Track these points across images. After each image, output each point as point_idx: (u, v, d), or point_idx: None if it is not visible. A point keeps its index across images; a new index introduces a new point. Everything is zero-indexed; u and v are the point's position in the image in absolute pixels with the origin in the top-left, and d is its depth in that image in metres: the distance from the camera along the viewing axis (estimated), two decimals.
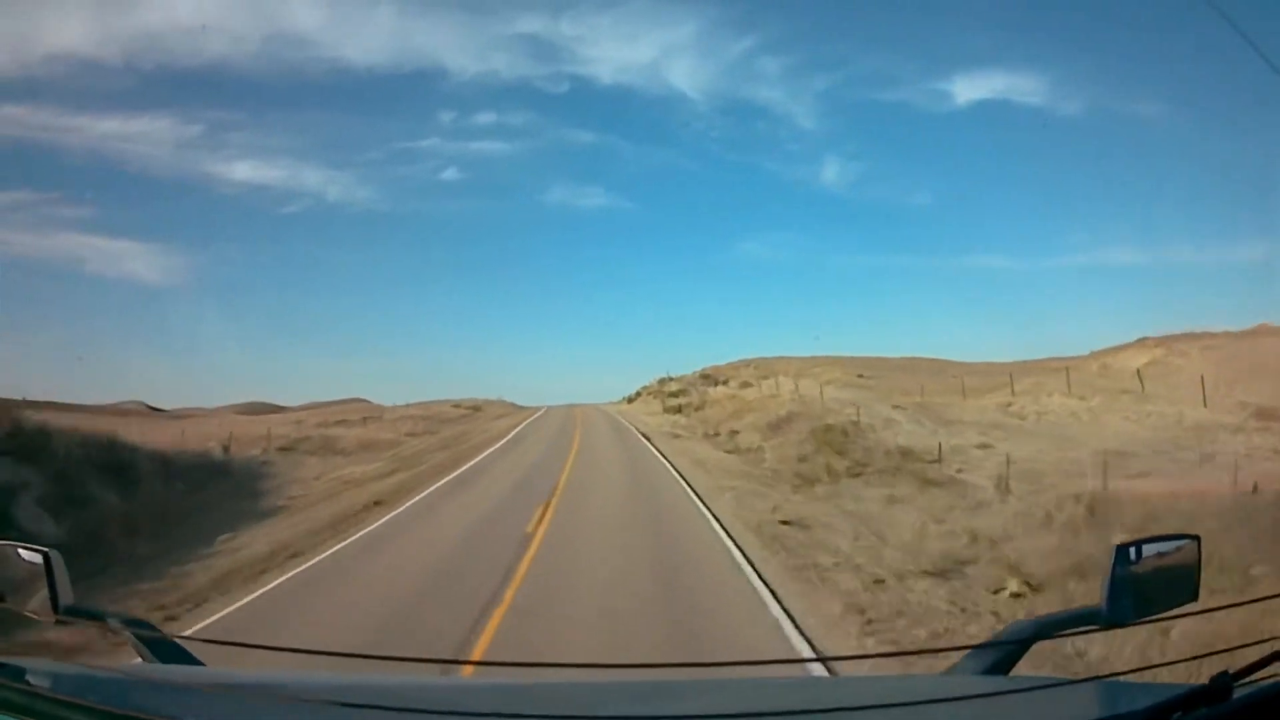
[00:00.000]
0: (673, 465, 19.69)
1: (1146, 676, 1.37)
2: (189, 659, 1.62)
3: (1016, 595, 7.68)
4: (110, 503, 15.71)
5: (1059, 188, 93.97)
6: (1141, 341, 38.85)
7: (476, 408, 54.49)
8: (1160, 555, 1.52)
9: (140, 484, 17.43)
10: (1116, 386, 28.86)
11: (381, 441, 30.65)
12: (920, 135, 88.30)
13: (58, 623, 1.54)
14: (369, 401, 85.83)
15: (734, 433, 27.56)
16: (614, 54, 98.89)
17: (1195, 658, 1.23)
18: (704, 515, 12.40)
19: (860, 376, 49.26)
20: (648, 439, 27.68)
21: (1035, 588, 7.79)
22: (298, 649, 1.58)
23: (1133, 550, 1.49)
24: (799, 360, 69.21)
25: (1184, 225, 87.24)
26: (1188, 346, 33.99)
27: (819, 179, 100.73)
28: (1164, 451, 17.74)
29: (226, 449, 25.81)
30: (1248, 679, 1.01)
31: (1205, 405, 23.10)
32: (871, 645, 6.16)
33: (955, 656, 1.69)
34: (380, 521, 13.11)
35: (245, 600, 8.36)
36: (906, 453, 19.24)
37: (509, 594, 7.64)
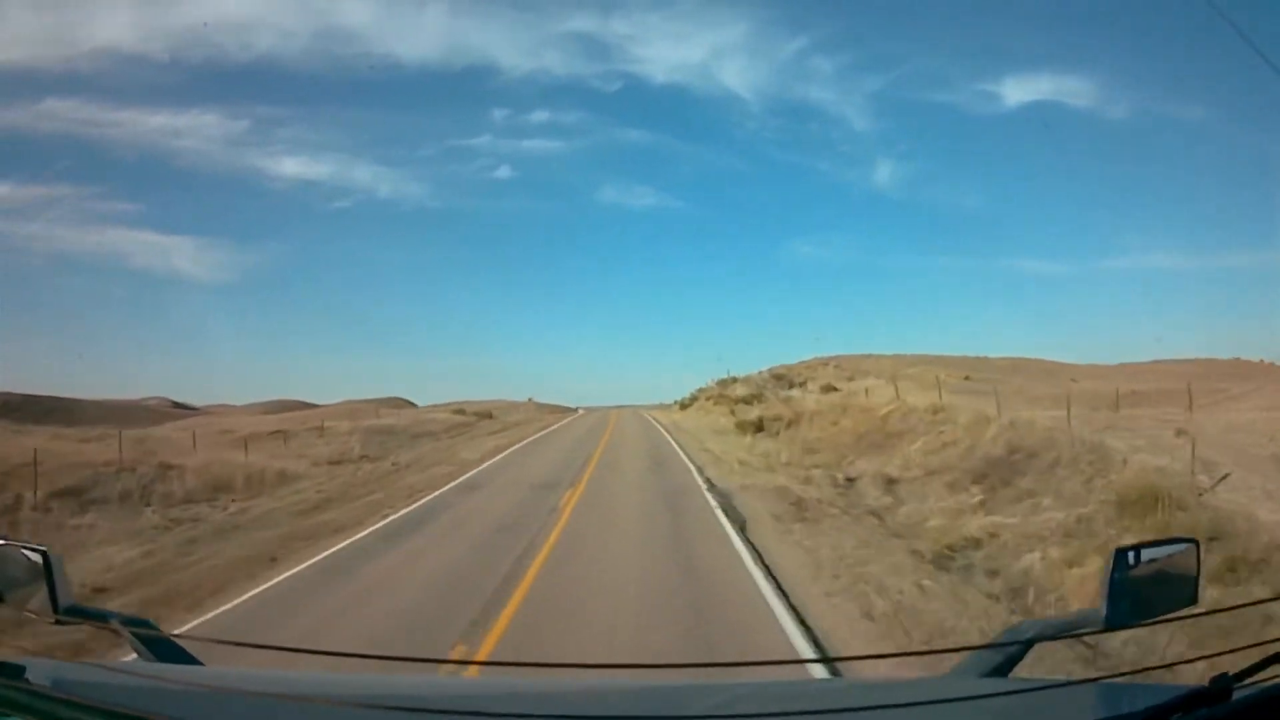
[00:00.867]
0: None
1: (1147, 677, 1.37)
2: (189, 658, 1.62)
3: None
4: None
5: (1109, 190, 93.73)
6: None
7: (486, 414, 49.86)
8: (1160, 559, 1.52)
9: None
10: None
11: (251, 478, 19.01)
12: (971, 137, 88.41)
13: (57, 622, 1.54)
14: (407, 400, 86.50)
15: (892, 482, 14.40)
16: (666, 53, 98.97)
17: (1195, 659, 1.23)
18: None
19: (967, 379, 40.92)
20: (742, 525, 11.29)
21: None
22: (297, 649, 1.58)
23: (1132, 554, 1.49)
24: (885, 359, 63.03)
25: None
26: None
27: (871, 180, 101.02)
28: None
29: None
30: (1248, 680, 1.01)
31: None
32: None
33: (957, 658, 1.69)
34: None
35: None
36: None
37: None
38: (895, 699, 1.38)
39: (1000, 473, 12.87)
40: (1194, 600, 1.53)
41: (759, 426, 27.18)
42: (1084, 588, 7.16)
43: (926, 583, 7.86)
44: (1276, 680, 1.01)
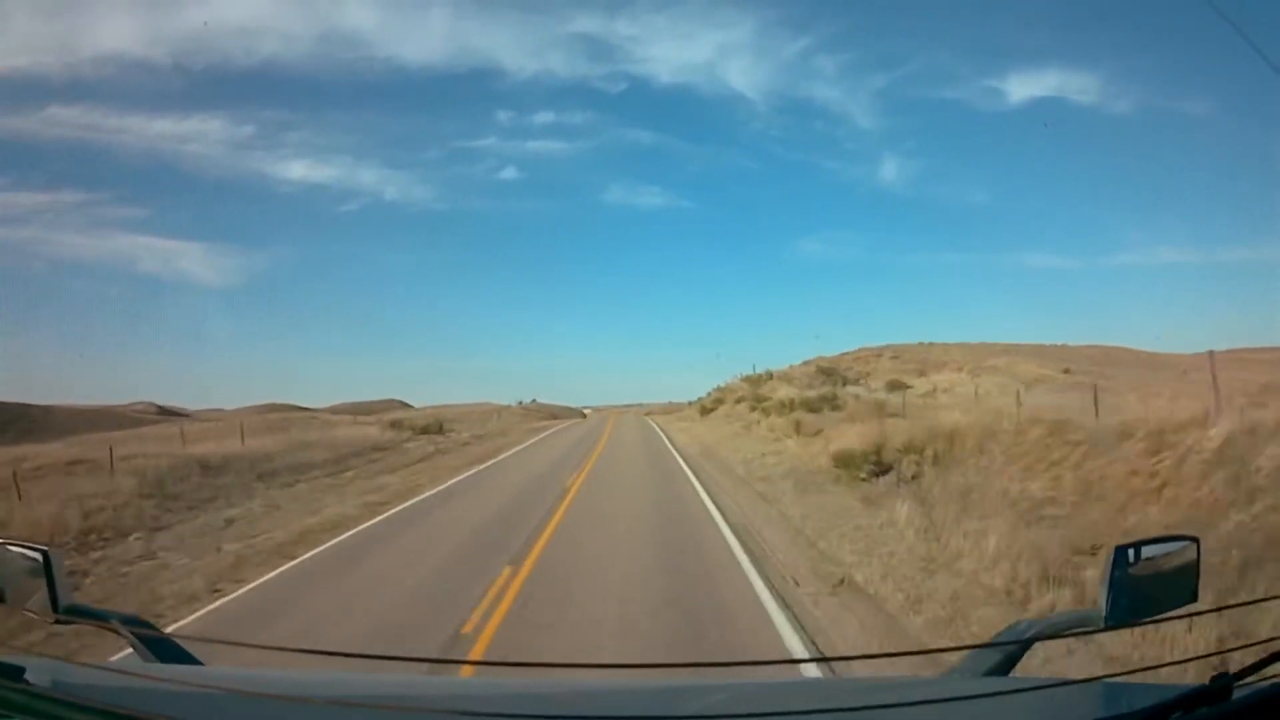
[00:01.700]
0: None
1: (1147, 676, 1.37)
2: (188, 658, 1.62)
3: None
4: None
5: (1113, 185, 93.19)
6: None
7: (434, 427, 34.88)
8: (1159, 557, 1.52)
9: None
10: None
11: None
12: (976, 133, 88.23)
13: (57, 622, 1.54)
14: (405, 403, 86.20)
15: None
16: (671, 53, 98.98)
17: (1196, 658, 1.23)
18: None
19: (1067, 372, 35.78)
20: None
21: None
22: (298, 649, 1.58)
23: (1131, 551, 1.49)
24: (954, 349, 54.05)
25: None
26: None
27: (877, 177, 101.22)
28: None
29: None
30: (1247, 679, 1.01)
31: None
32: None
33: (957, 657, 1.69)
34: None
35: None
36: None
37: None
38: (896, 698, 1.38)
39: None
40: (1193, 598, 1.53)
41: (877, 460, 14.49)
42: None
43: None
44: (1277, 679, 1.01)
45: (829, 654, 5.64)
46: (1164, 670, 1.48)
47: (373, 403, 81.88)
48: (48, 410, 59.36)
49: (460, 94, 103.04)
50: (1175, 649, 4.66)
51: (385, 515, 13.80)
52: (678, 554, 9.40)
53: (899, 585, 7.53)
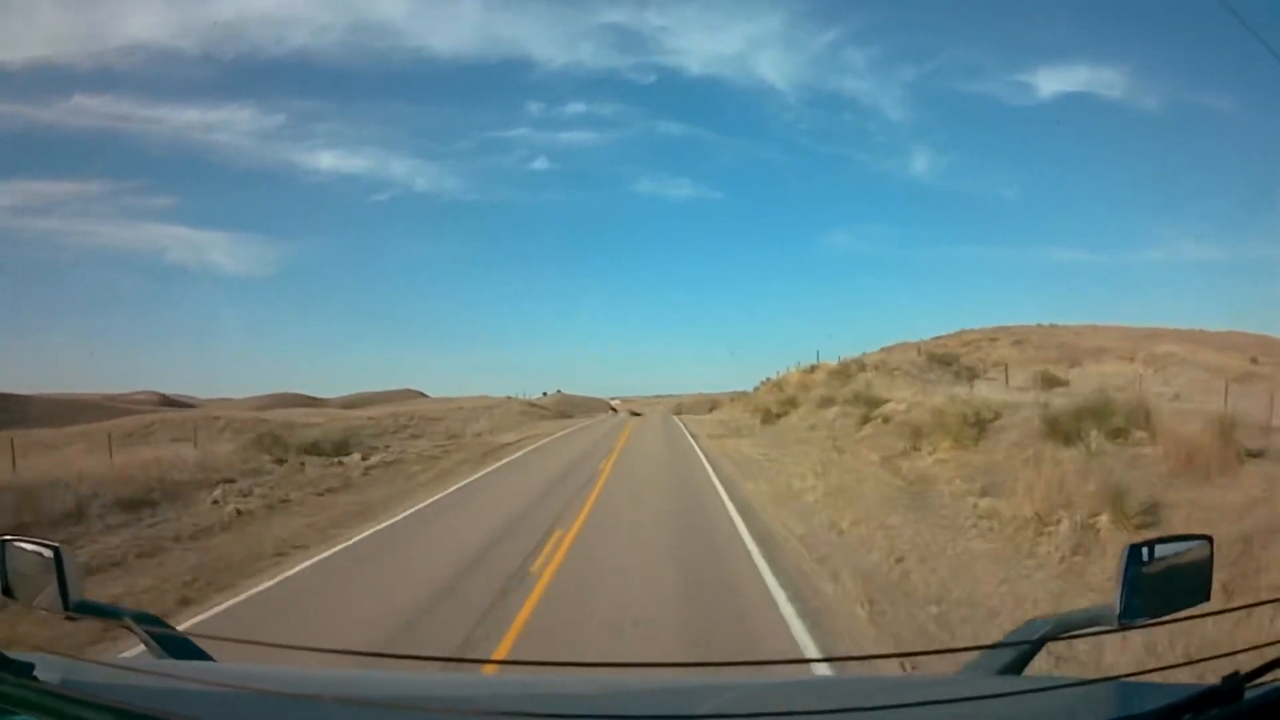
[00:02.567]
0: None
1: (1158, 677, 1.36)
2: (200, 654, 1.63)
3: None
4: None
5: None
6: None
7: (321, 447, 22.86)
8: (1172, 555, 1.51)
9: None
10: None
11: None
12: (1006, 128, 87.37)
13: (68, 618, 1.55)
14: (421, 393, 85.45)
15: None
16: (701, 45, 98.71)
17: (1207, 659, 1.22)
18: None
19: (1255, 362, 30.55)
20: None
21: None
22: (310, 646, 1.58)
23: (1145, 550, 1.48)
24: (1104, 331, 40.97)
25: None
26: None
27: (908, 170, 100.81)
28: None
29: None
30: (1259, 680, 1.01)
31: None
32: None
33: (969, 657, 1.68)
34: None
35: None
36: None
37: None
38: (908, 698, 1.38)
39: None
40: (1207, 596, 1.52)
41: None
42: None
43: None
44: None
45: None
46: (1176, 670, 1.46)
47: (388, 393, 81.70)
48: (25, 400, 56.87)
49: (491, 84, 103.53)
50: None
51: None
52: None
53: None
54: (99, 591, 7.44)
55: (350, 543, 10.80)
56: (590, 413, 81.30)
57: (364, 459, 22.70)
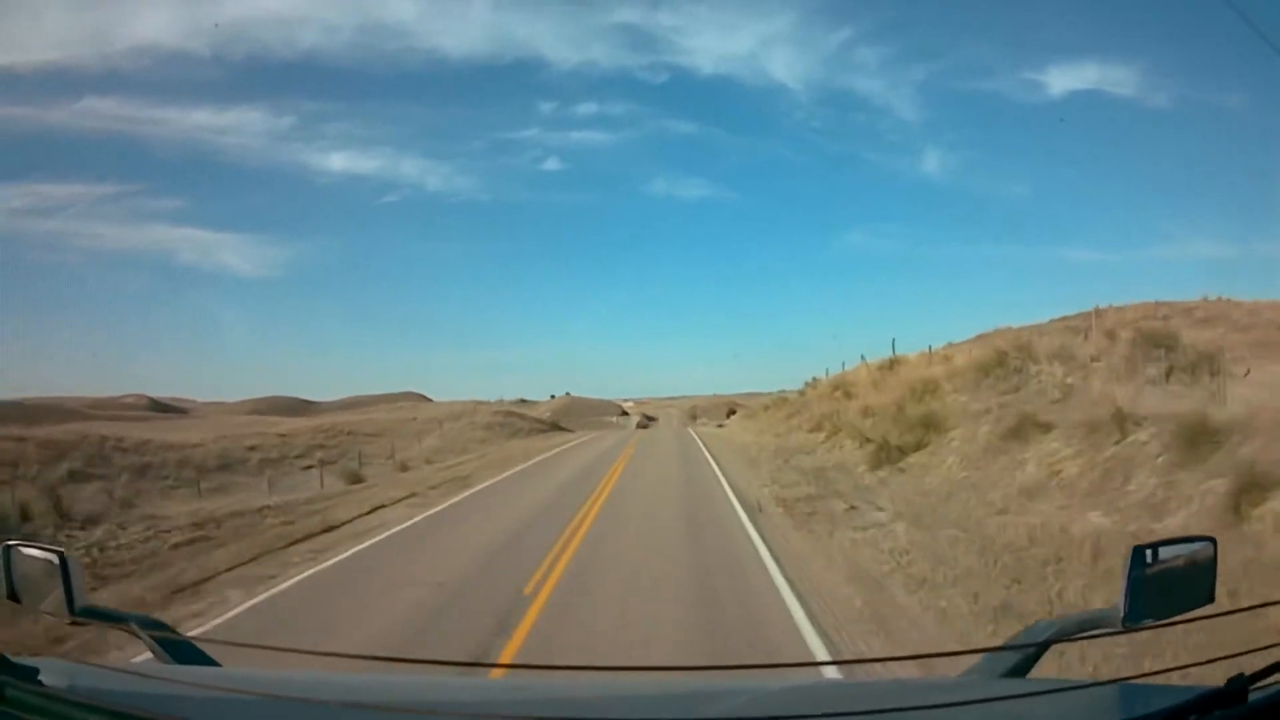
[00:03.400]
0: None
1: (1163, 679, 1.36)
2: (205, 659, 1.64)
3: None
4: None
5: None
6: None
7: None
8: (1176, 557, 1.52)
9: None
10: None
11: None
12: (1018, 126, 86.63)
13: (73, 623, 1.55)
14: (423, 396, 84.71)
15: None
16: (713, 44, 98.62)
17: (1211, 660, 1.22)
18: None
19: None
20: None
21: None
22: (315, 651, 1.59)
23: (1149, 552, 1.48)
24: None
25: None
26: None
27: (920, 169, 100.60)
28: None
29: None
30: (1263, 682, 1.01)
31: None
32: None
33: (974, 660, 1.68)
34: None
35: None
36: None
37: None
38: (913, 701, 1.37)
39: None
40: (1211, 598, 1.52)
41: None
42: None
43: None
44: None
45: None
46: (1180, 672, 1.46)
47: (388, 396, 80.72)
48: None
49: (503, 85, 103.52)
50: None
51: None
52: None
53: None
54: None
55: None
56: (592, 422, 77.06)
57: (115, 532, 13.71)
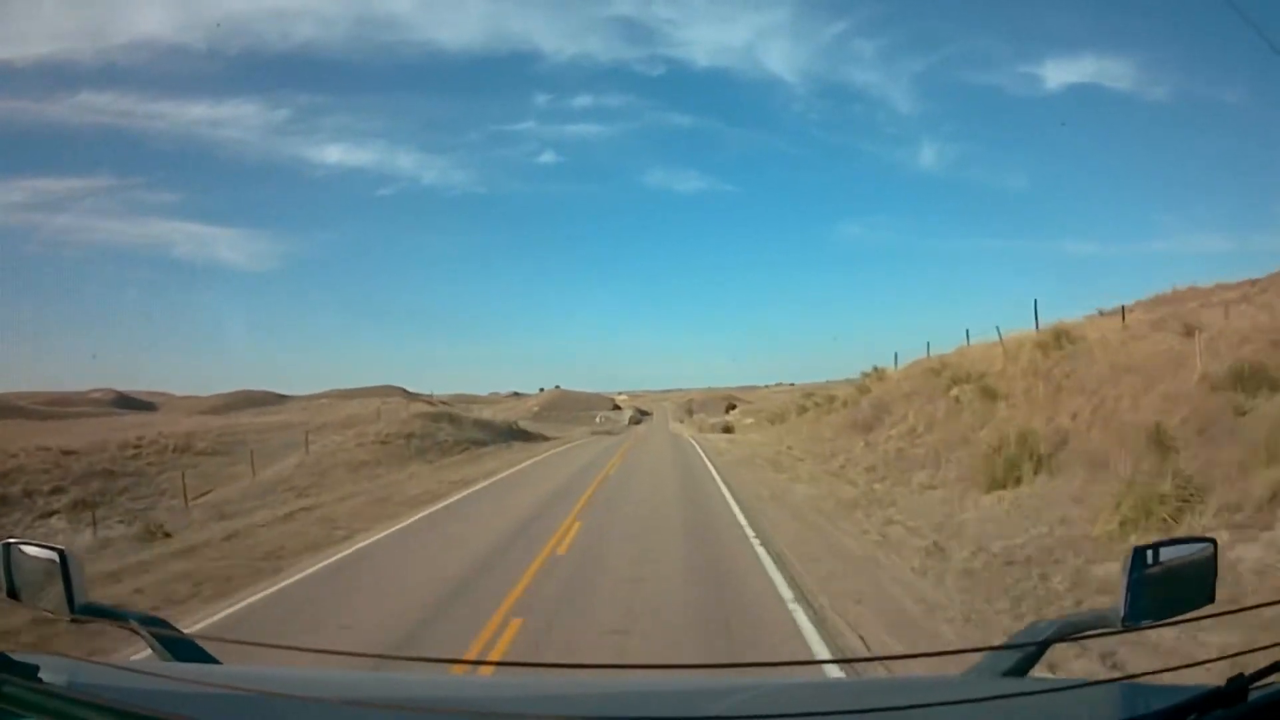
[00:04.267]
0: None
1: (1163, 678, 1.36)
2: (206, 657, 1.63)
3: None
4: None
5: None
6: None
7: None
8: (1177, 557, 1.52)
9: None
10: None
11: None
12: (1014, 119, 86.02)
13: (73, 621, 1.56)
14: (405, 390, 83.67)
15: None
16: (709, 37, 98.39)
17: (1212, 660, 1.22)
18: None
19: None
20: None
21: None
22: (315, 649, 1.59)
23: (1149, 553, 1.48)
24: None
25: None
26: None
27: (917, 161, 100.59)
28: None
29: None
30: (1263, 681, 1.01)
31: None
32: None
33: (974, 659, 1.68)
34: None
35: None
36: None
37: None
38: (913, 699, 1.38)
39: None
40: (1211, 599, 1.52)
41: None
42: None
43: None
44: None
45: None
46: (1180, 672, 1.47)
47: (368, 390, 79.38)
48: None
49: (498, 78, 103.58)
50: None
51: None
52: None
53: None
54: None
55: None
56: (580, 418, 72.58)
57: None
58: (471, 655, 6.01)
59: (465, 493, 18.19)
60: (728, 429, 53.86)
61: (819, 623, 6.62)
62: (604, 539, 11.06)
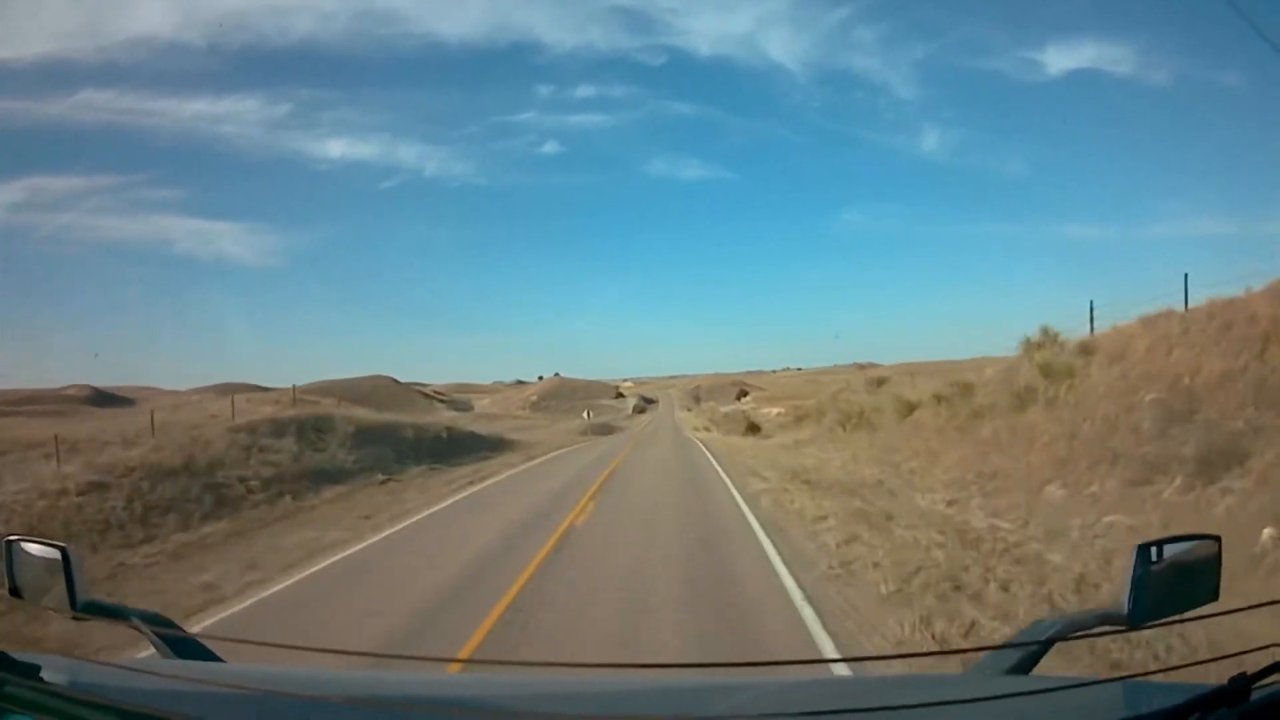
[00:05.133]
0: None
1: (1166, 677, 1.36)
2: (208, 655, 1.64)
3: None
4: None
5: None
6: None
7: None
8: (1181, 555, 1.51)
9: None
10: None
11: None
12: (1014, 104, 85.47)
13: (75, 619, 1.56)
14: (395, 380, 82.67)
15: None
16: (710, 25, 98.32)
17: (1214, 659, 1.22)
18: None
19: None
20: None
21: None
22: (318, 647, 1.60)
23: (1154, 550, 1.48)
24: None
25: None
26: None
27: (917, 148, 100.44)
28: None
29: None
30: (1265, 680, 1.01)
31: None
32: None
33: (978, 657, 1.68)
34: None
35: None
36: None
37: None
38: (917, 698, 1.37)
39: None
40: (1215, 596, 1.52)
41: None
42: None
43: None
44: None
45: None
46: (1183, 670, 1.46)
47: (357, 380, 77.82)
48: None
49: (500, 69, 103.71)
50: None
51: None
52: None
53: None
54: None
55: None
56: (577, 408, 66.09)
57: None
58: None
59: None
60: (753, 427, 41.86)
61: None
62: None
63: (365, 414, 29.30)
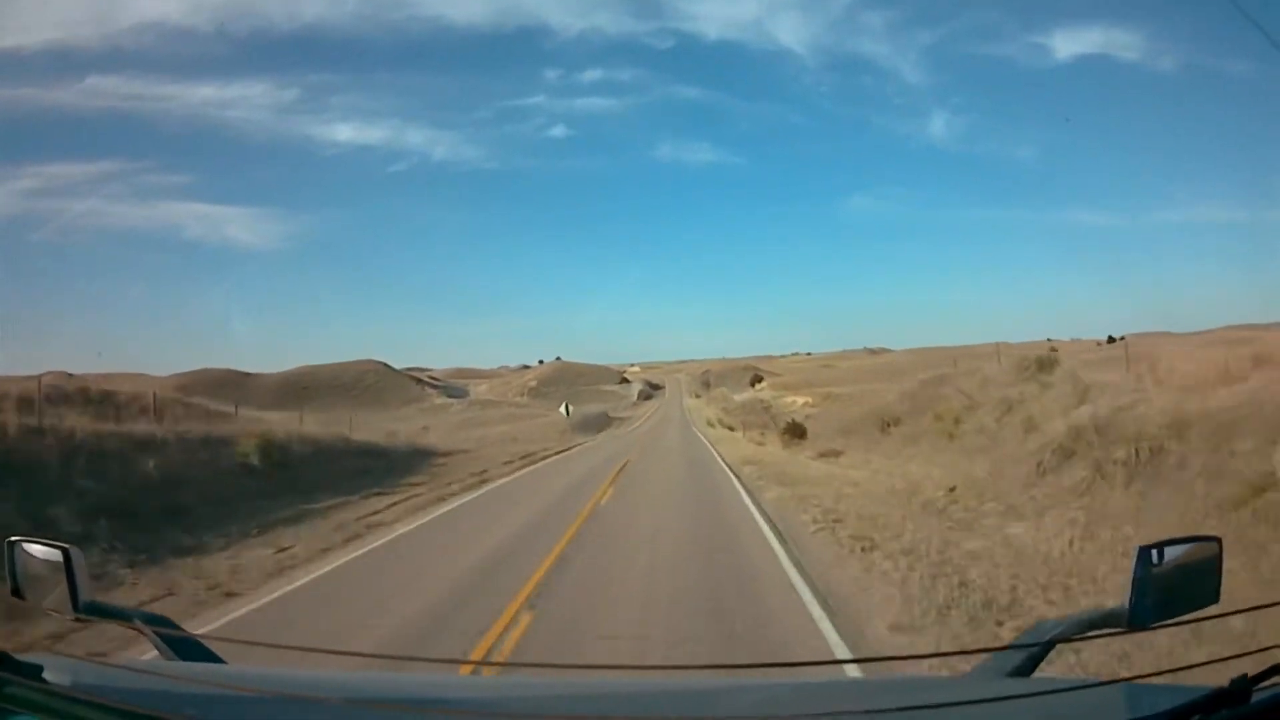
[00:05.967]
0: None
1: (1167, 678, 1.36)
2: (210, 656, 1.63)
3: None
4: None
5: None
6: None
7: None
8: (1182, 556, 1.51)
9: None
10: None
11: None
12: (1023, 90, 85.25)
13: (77, 620, 1.56)
14: (386, 364, 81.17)
15: None
16: (718, 9, 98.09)
17: (1215, 660, 1.22)
18: None
19: None
20: None
21: None
22: (321, 649, 1.59)
23: (1154, 552, 1.48)
24: None
25: None
26: None
27: (926, 133, 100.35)
28: None
29: None
30: (1266, 682, 1.01)
31: None
32: None
33: (979, 659, 1.68)
34: None
35: None
36: None
37: None
38: (919, 700, 1.38)
39: None
40: (1216, 599, 1.52)
41: None
42: None
43: None
44: None
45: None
46: (1183, 672, 1.47)
47: (344, 364, 76.96)
48: None
49: (508, 53, 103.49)
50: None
51: None
52: None
53: None
54: None
55: None
56: (582, 394, 62.99)
57: None
58: None
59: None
60: (795, 430, 29.06)
61: None
62: None
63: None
